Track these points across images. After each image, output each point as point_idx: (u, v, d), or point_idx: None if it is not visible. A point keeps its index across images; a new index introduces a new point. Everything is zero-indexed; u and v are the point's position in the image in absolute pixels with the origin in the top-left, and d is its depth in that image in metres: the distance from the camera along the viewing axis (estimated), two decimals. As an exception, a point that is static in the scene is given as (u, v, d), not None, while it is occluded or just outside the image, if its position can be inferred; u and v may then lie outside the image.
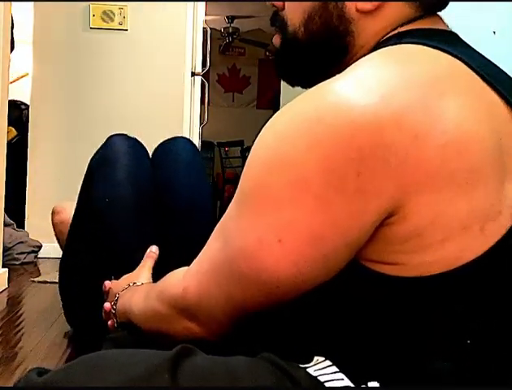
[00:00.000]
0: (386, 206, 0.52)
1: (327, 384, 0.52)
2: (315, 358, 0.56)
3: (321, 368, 0.54)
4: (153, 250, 1.03)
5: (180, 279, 0.66)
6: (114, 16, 2.95)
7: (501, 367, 0.55)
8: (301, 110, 0.55)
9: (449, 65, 0.57)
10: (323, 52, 0.68)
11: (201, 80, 3.18)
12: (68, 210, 1.59)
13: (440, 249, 0.53)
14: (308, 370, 0.54)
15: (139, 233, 1.23)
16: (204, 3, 3.21)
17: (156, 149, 1.39)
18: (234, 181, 6.52)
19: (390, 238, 0.54)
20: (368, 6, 0.64)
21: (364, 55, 0.61)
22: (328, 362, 0.55)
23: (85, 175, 1.32)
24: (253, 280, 0.57)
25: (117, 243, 1.22)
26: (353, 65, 0.58)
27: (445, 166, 0.51)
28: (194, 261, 0.65)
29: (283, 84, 2.66)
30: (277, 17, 0.71)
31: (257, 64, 7.30)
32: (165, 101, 3.00)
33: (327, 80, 0.56)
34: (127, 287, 0.90)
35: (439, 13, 0.68)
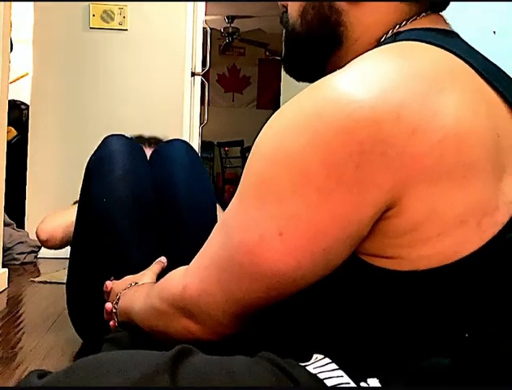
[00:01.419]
0: (384, 199, 0.53)
1: (326, 381, 0.52)
2: (314, 356, 0.56)
3: (320, 365, 0.54)
4: (162, 260, 1.04)
5: (180, 277, 0.67)
6: (114, 16, 2.95)
7: (499, 362, 0.55)
8: (301, 104, 0.56)
9: (447, 61, 0.58)
10: (318, 42, 0.70)
11: (201, 80, 3.18)
12: (48, 229, 1.61)
13: (437, 243, 0.53)
14: (307, 368, 0.54)
15: (138, 232, 1.23)
16: (204, 3, 3.21)
17: (153, 152, 1.39)
18: (234, 181, 6.51)
19: (388, 232, 0.55)
20: None
21: (361, 51, 0.62)
22: (328, 360, 0.55)
23: (84, 176, 1.32)
24: (254, 275, 0.57)
25: (116, 242, 1.22)
26: (352, 61, 0.59)
27: (443, 161, 0.52)
28: (195, 258, 0.66)
29: (283, 84, 2.67)
30: (284, 14, 0.75)
31: (257, 64, 7.30)
32: (165, 102, 3.00)
33: (327, 76, 0.57)
34: (129, 286, 0.90)
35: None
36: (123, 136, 1.31)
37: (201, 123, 3.23)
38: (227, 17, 6.36)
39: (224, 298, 0.61)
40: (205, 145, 4.96)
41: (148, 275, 0.96)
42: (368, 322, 0.58)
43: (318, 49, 0.71)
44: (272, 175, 0.56)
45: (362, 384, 0.53)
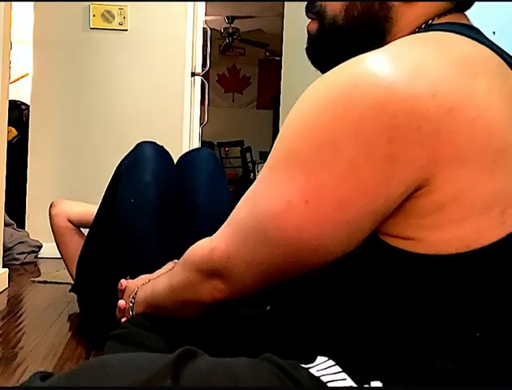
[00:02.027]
0: (415, 176, 0.53)
1: (329, 385, 0.52)
2: (318, 358, 0.56)
3: (324, 368, 0.54)
4: (176, 261, 1.05)
5: (206, 243, 0.69)
6: (114, 16, 2.95)
7: (508, 366, 0.55)
8: (336, 77, 0.57)
9: (479, 50, 0.58)
10: (362, 37, 0.69)
11: (201, 81, 3.18)
12: (63, 205, 1.75)
13: (458, 228, 0.53)
14: (310, 370, 0.54)
15: (159, 235, 1.29)
16: (204, 3, 3.21)
17: (181, 158, 1.46)
18: (234, 181, 6.51)
19: (412, 211, 0.54)
20: None
21: None
22: (331, 362, 0.55)
23: (113, 176, 1.38)
24: (278, 240, 0.58)
25: (136, 242, 1.27)
26: (386, 45, 0.59)
27: (475, 141, 0.52)
28: (223, 225, 0.67)
29: (283, 84, 2.66)
30: (314, 4, 0.73)
31: (257, 64, 7.31)
32: (165, 102, 3.00)
33: (361, 55, 0.57)
34: (147, 282, 0.91)
35: None
36: (155, 143, 1.39)
37: (201, 123, 3.23)
38: (227, 17, 6.36)
39: (250, 261, 0.62)
40: (205, 145, 4.96)
41: (162, 273, 0.97)
42: (377, 312, 0.57)
43: (360, 43, 0.69)
44: (301, 145, 0.56)
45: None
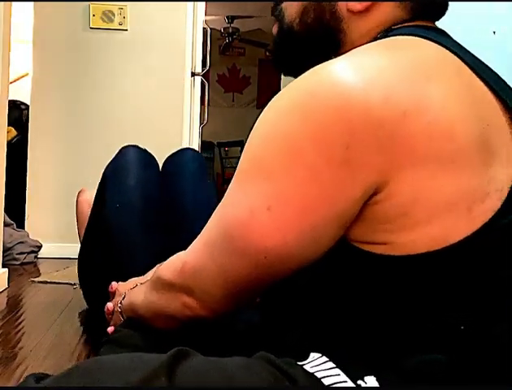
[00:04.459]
0: (373, 180, 0.54)
1: (323, 381, 0.53)
2: (311, 355, 0.56)
3: (317, 364, 0.55)
4: None
5: (180, 257, 0.70)
6: (114, 16, 2.95)
7: (494, 357, 0.55)
8: (297, 87, 0.59)
9: (436, 52, 0.60)
10: (315, 45, 0.72)
11: (201, 80, 3.18)
12: (91, 193, 1.72)
13: (425, 228, 0.54)
14: (305, 367, 0.55)
15: (146, 237, 1.31)
16: (204, 3, 3.21)
17: (166, 161, 1.49)
18: (234, 181, 6.50)
19: (378, 217, 0.56)
20: (358, 6, 0.67)
21: None
22: (325, 358, 0.56)
23: (100, 182, 1.41)
24: (243, 249, 0.59)
25: (125, 245, 1.30)
26: (346, 53, 0.61)
27: (432, 144, 0.53)
28: (196, 237, 0.68)
29: (283, 84, 2.66)
30: (277, 7, 0.75)
31: (257, 64, 7.30)
32: (165, 101, 3.00)
33: (323, 63, 0.59)
34: (134, 286, 0.91)
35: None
36: (138, 146, 1.43)
37: (201, 123, 3.23)
38: (227, 17, 6.36)
39: (217, 273, 0.63)
40: (205, 145, 4.97)
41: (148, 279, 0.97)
42: (362, 311, 0.58)
43: (314, 52, 0.72)
44: (265, 152, 0.58)
45: (360, 383, 0.53)
